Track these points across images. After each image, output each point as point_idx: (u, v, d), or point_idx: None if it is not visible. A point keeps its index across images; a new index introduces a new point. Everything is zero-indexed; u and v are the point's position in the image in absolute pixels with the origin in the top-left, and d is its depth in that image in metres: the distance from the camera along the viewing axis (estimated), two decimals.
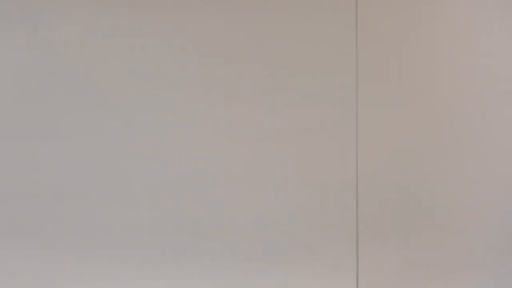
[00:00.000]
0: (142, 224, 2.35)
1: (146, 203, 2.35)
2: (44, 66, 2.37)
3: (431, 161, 2.40)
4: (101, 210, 2.36)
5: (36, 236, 2.36)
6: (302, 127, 2.38)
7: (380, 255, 2.36)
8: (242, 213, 2.36)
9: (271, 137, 2.38)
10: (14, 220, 2.36)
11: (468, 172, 2.41)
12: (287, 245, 2.36)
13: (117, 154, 2.37)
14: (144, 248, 2.35)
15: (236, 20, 2.39)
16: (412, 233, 2.39)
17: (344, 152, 2.37)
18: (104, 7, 2.37)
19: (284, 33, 2.39)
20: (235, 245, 2.35)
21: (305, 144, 2.38)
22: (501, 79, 2.43)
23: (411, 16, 2.43)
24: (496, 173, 2.42)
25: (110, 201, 2.36)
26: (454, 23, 2.45)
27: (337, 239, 2.36)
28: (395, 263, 2.38)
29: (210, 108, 2.38)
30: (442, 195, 2.40)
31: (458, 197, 2.40)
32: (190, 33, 2.37)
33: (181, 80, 2.37)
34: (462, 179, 2.41)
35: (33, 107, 2.36)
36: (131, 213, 2.36)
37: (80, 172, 2.36)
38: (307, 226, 2.37)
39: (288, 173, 2.37)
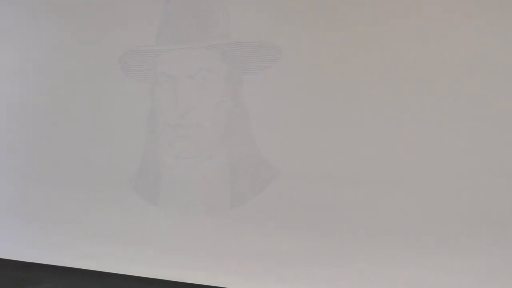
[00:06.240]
0: (440, 214, 2.42)
1: (443, 194, 2.40)
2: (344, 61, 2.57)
3: None
4: (396, 198, 2.46)
5: (329, 220, 2.55)
6: None
7: None
8: None
9: None
10: (309, 203, 2.56)
11: None
12: None
13: (406, 145, 2.45)
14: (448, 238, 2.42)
15: None
16: None
17: None
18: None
19: None
20: None
21: None
22: None
23: None
24: None
25: (405, 191, 2.44)
26: None
27: None
28: None
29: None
30: None
31: None
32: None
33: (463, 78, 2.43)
34: None
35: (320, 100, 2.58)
36: (427, 203, 2.42)
37: (372, 160, 2.47)
38: None
39: None
